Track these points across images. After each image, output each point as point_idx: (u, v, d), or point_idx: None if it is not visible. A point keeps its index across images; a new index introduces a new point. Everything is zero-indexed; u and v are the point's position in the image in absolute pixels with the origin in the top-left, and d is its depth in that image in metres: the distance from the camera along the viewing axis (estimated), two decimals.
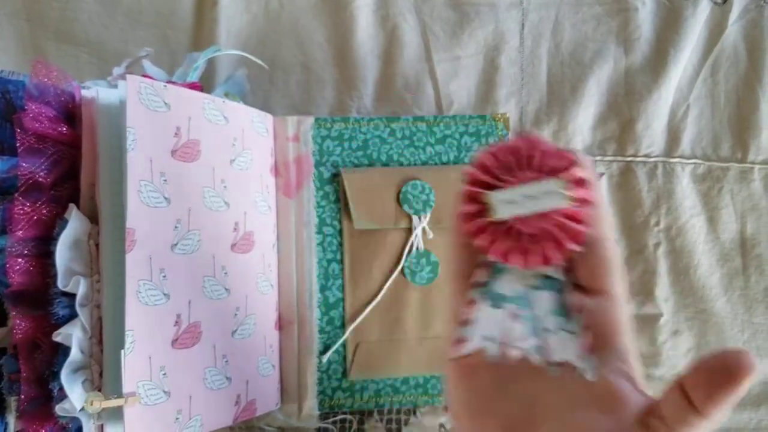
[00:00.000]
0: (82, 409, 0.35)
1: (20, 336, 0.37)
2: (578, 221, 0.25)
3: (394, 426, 0.50)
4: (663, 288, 0.50)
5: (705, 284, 0.51)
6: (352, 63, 0.52)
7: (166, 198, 0.37)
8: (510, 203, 0.26)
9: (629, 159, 0.52)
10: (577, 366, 0.24)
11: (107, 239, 0.37)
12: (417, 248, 0.46)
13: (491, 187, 0.25)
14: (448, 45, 0.53)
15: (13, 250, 0.36)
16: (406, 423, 0.49)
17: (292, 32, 0.53)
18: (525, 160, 0.25)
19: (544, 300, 0.25)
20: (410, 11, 0.53)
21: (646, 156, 0.52)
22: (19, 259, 0.36)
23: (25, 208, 0.36)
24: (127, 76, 0.36)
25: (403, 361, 0.46)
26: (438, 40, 0.53)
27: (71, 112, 0.38)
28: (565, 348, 0.25)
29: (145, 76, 0.42)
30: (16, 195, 0.36)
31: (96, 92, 0.38)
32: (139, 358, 0.35)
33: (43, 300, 0.37)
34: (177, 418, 0.37)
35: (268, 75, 0.52)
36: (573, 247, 0.25)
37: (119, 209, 0.37)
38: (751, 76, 0.53)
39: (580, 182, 0.25)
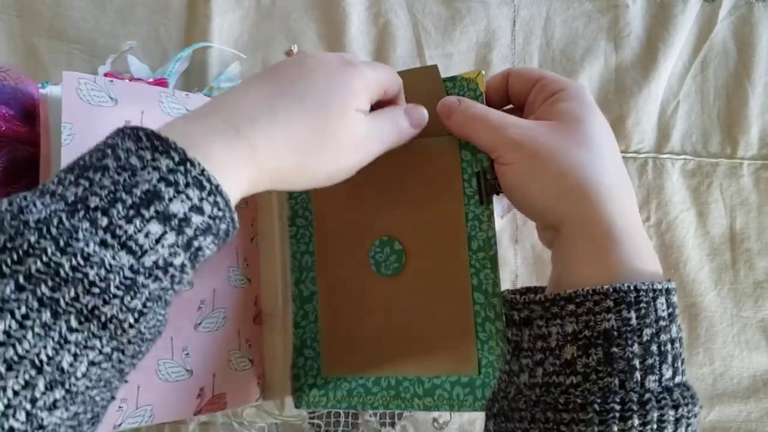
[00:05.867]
0: None
1: None
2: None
3: (387, 420, 0.50)
4: None
5: (695, 278, 0.52)
6: None
7: None
8: None
9: None
10: None
11: None
12: (380, 237, 0.41)
13: None
14: (440, 41, 0.53)
15: None
16: (400, 417, 0.50)
17: (284, 28, 0.53)
18: None
19: None
20: (402, 7, 0.53)
21: (636, 152, 0.53)
22: None
23: None
24: (64, 72, 0.36)
25: (373, 359, 0.41)
26: (430, 36, 0.53)
27: (31, 111, 0.39)
28: None
29: (115, 76, 0.42)
30: None
31: (49, 90, 0.38)
32: None
33: None
34: (120, 407, 0.37)
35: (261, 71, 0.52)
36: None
37: None
38: (741, 72, 0.53)
39: None
